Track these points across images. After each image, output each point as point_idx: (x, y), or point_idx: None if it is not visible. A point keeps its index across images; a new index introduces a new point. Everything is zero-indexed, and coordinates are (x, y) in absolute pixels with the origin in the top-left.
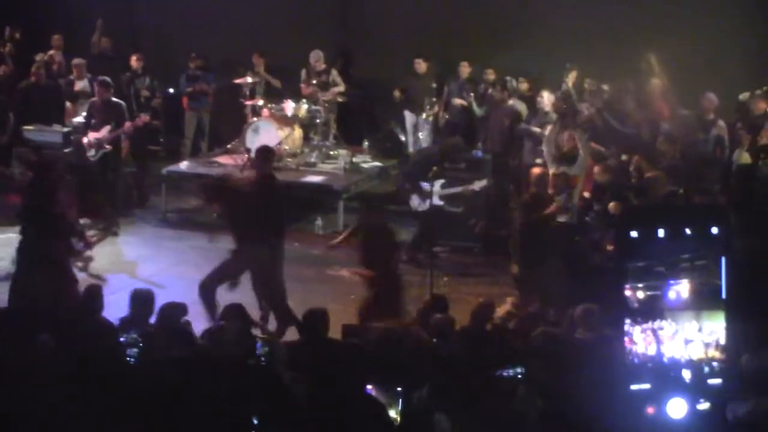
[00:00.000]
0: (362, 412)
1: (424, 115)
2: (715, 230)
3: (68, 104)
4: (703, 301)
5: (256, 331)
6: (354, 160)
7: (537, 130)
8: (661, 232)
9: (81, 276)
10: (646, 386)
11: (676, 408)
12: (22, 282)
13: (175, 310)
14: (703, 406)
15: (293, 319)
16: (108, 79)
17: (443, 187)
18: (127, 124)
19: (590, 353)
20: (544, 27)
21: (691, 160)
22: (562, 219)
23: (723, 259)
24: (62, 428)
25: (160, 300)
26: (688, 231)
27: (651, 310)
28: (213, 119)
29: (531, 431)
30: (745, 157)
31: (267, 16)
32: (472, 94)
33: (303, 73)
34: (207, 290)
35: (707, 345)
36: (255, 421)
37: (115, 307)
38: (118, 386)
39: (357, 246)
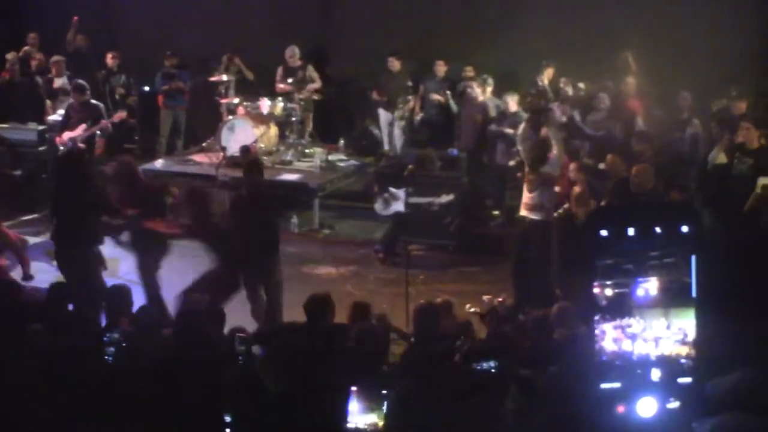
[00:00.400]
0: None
1: (397, 114)
2: (685, 228)
3: (48, 102)
4: (672, 298)
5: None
6: (330, 158)
7: (509, 131)
8: (631, 231)
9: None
10: (617, 385)
11: (646, 407)
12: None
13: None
14: (673, 404)
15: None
16: (83, 82)
17: (409, 195)
18: (104, 122)
19: (564, 351)
20: (520, 24)
21: (666, 159)
22: (537, 217)
23: (693, 257)
24: (35, 423)
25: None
26: (658, 230)
27: (619, 308)
28: (188, 117)
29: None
30: (722, 158)
31: (243, 13)
32: (449, 92)
33: (279, 69)
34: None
35: (676, 342)
36: (227, 419)
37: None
38: (94, 383)
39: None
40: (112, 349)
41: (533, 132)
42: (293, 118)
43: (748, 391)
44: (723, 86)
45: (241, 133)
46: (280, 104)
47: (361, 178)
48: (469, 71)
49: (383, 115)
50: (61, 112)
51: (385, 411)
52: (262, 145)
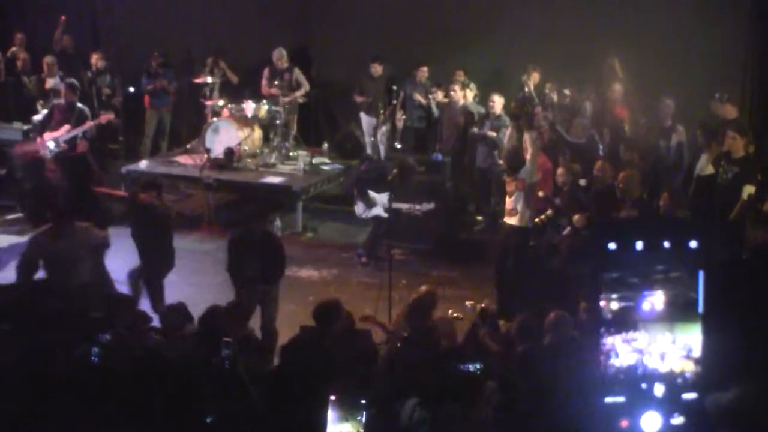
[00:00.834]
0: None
1: (380, 119)
2: (693, 244)
3: (40, 102)
4: (677, 312)
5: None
6: (313, 161)
7: (492, 134)
8: (639, 245)
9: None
10: (621, 399)
11: (650, 422)
12: None
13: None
14: (677, 420)
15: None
16: (75, 82)
17: (389, 200)
18: (89, 123)
19: (563, 361)
20: (504, 29)
21: (652, 167)
22: (513, 222)
23: (701, 273)
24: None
25: None
26: (666, 244)
27: (625, 322)
28: (173, 119)
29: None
30: (710, 169)
31: (227, 15)
32: (431, 96)
33: (266, 71)
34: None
35: (681, 357)
36: (208, 420)
37: None
38: (78, 383)
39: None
40: (96, 349)
41: (518, 136)
42: (277, 121)
43: (745, 408)
44: (706, 92)
45: (225, 135)
46: (264, 107)
47: (345, 182)
48: (460, 75)
49: (365, 119)
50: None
51: (362, 420)
52: (246, 148)
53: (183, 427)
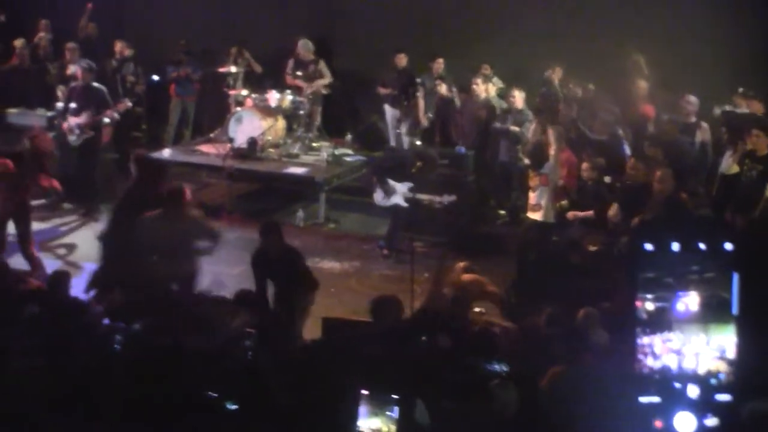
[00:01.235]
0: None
1: (403, 111)
2: (728, 246)
3: (61, 87)
4: (711, 313)
5: None
6: (336, 152)
7: (514, 128)
8: (675, 246)
9: (58, 263)
10: (655, 399)
11: (684, 423)
12: None
13: None
14: (711, 421)
15: None
16: (91, 62)
17: (411, 190)
18: (109, 111)
19: (599, 360)
20: (527, 23)
21: (676, 164)
22: (537, 217)
23: (735, 275)
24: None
25: None
26: (702, 246)
27: (660, 322)
28: (196, 108)
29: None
30: (735, 168)
31: (250, 5)
32: (455, 89)
33: (290, 62)
34: None
35: (714, 358)
36: (232, 407)
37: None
38: (101, 371)
39: None
40: (119, 337)
41: (542, 132)
42: (301, 112)
43: None
44: (728, 89)
45: (248, 125)
46: (288, 97)
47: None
48: (486, 69)
49: (389, 111)
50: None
51: (393, 415)
52: (269, 138)
53: (202, 417)
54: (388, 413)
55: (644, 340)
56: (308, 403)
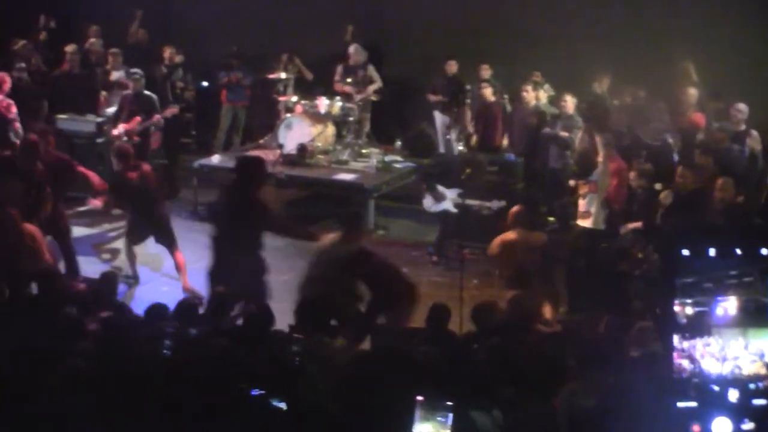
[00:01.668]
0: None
1: (453, 118)
2: (765, 251)
3: (103, 93)
4: (750, 318)
5: None
6: (386, 159)
7: (564, 134)
8: (712, 252)
9: (105, 267)
10: (693, 404)
11: (721, 427)
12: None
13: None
14: (748, 426)
15: None
16: (140, 71)
17: (460, 196)
18: (157, 116)
19: (640, 369)
20: (576, 30)
21: (726, 172)
22: (586, 224)
23: None
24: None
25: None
26: (738, 251)
27: (699, 327)
28: (247, 114)
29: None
30: None
31: (299, 11)
32: (506, 96)
33: (339, 68)
34: None
35: (753, 363)
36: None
37: (140, 300)
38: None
39: None
40: (168, 342)
41: (590, 139)
42: (350, 118)
43: None
44: None
45: (298, 131)
46: (337, 104)
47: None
48: (537, 76)
49: (439, 117)
50: (116, 102)
51: (446, 421)
52: (319, 144)
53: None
54: (439, 419)
55: (683, 344)
56: (360, 410)
